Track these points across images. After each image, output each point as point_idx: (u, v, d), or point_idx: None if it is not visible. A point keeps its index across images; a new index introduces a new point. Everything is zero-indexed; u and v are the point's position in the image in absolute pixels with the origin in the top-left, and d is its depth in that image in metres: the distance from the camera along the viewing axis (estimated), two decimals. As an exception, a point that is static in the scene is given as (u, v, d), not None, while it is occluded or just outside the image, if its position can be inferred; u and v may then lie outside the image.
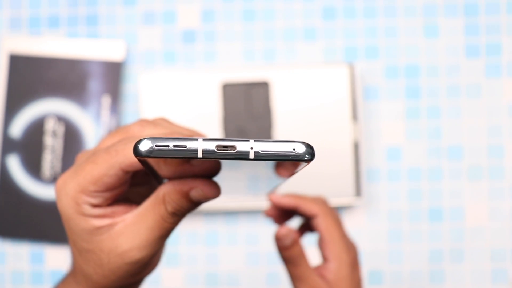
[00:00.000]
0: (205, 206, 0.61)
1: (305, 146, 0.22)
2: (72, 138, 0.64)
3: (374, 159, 0.63)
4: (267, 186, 0.32)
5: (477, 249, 0.62)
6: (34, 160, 0.64)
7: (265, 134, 0.61)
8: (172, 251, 0.64)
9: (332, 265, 0.41)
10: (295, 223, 0.59)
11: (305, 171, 0.60)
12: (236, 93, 0.62)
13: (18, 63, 0.64)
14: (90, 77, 0.64)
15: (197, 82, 0.61)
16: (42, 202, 0.64)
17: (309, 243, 0.63)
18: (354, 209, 0.63)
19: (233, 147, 0.22)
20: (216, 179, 0.27)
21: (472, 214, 0.62)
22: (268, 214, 0.45)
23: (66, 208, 0.28)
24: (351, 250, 0.42)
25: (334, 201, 0.60)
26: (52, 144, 0.64)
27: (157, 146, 0.22)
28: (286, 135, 0.61)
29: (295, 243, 0.41)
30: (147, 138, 0.22)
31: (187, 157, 0.22)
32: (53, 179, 0.64)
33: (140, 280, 0.31)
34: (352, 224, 0.63)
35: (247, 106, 0.62)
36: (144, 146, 0.22)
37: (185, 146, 0.22)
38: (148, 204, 0.28)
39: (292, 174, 0.27)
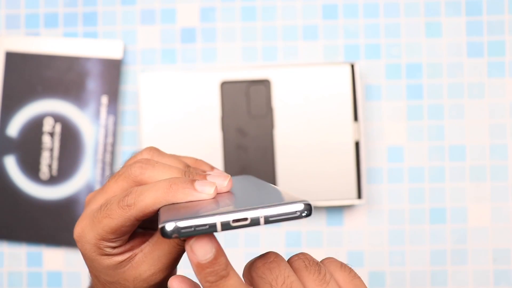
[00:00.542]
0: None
1: (304, 205, 0.26)
2: (69, 138, 0.63)
3: (376, 159, 0.63)
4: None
5: (480, 250, 0.62)
6: (32, 161, 0.63)
7: (266, 135, 0.61)
8: (171, 253, 0.63)
9: None
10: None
11: (305, 171, 0.60)
12: (235, 91, 0.61)
13: (14, 61, 0.64)
14: (88, 77, 0.63)
15: (196, 81, 0.61)
16: (39, 202, 0.63)
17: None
18: (355, 210, 0.62)
19: (246, 219, 0.26)
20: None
21: (475, 215, 0.62)
22: None
23: (90, 252, 0.31)
24: None
25: (335, 202, 0.60)
26: (50, 144, 0.63)
27: (182, 228, 0.25)
28: (286, 135, 0.60)
29: None
30: (172, 221, 0.25)
31: (208, 232, 0.25)
32: (51, 180, 0.63)
33: None
34: (353, 225, 0.62)
35: (247, 104, 0.61)
36: (171, 230, 0.25)
37: (206, 225, 0.25)
38: None
39: None
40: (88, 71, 0.63)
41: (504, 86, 0.63)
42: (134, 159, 0.33)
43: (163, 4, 0.65)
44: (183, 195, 0.29)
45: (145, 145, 0.60)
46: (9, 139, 0.64)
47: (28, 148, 0.63)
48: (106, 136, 0.63)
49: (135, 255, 0.31)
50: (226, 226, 0.25)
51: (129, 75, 0.64)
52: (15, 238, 0.63)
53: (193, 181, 0.29)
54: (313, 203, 0.60)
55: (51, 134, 0.63)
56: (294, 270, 0.28)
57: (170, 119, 0.60)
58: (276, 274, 0.27)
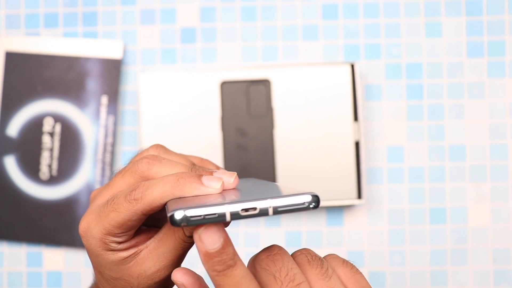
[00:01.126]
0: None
1: (312, 196, 0.27)
2: (69, 138, 0.63)
3: (376, 159, 0.63)
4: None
5: (480, 250, 0.62)
6: (31, 161, 0.63)
7: (266, 135, 0.60)
8: (171, 253, 0.63)
9: None
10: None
11: (305, 171, 0.60)
12: (235, 91, 0.61)
13: (14, 61, 0.64)
14: (88, 77, 0.63)
15: (196, 81, 0.61)
16: (39, 202, 0.63)
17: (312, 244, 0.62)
18: (355, 210, 0.62)
19: (255, 208, 0.26)
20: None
21: (475, 215, 0.62)
22: None
23: (95, 247, 0.31)
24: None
25: (335, 202, 0.60)
26: (50, 144, 0.63)
27: (191, 217, 0.25)
28: (286, 135, 0.60)
29: None
30: (181, 209, 0.25)
31: (218, 221, 0.26)
32: (51, 180, 0.63)
33: None
34: (353, 225, 0.62)
35: (247, 104, 0.61)
36: (180, 219, 0.25)
37: (215, 214, 0.26)
38: (167, 230, 0.31)
39: None
40: (88, 71, 0.63)
41: (504, 86, 0.62)
42: (140, 156, 0.33)
43: (163, 4, 0.65)
44: (190, 189, 0.29)
45: (145, 145, 0.60)
46: (9, 139, 0.64)
47: (28, 148, 0.63)
48: (106, 136, 0.63)
49: (140, 251, 0.31)
50: (235, 216, 0.26)
51: (129, 75, 0.64)
52: (15, 238, 0.63)
53: (200, 176, 0.29)
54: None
55: (51, 134, 0.63)
56: (297, 264, 0.28)
57: (170, 119, 0.60)
58: (280, 266, 0.27)
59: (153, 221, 0.35)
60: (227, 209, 0.26)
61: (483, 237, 0.62)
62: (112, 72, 0.63)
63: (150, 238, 0.32)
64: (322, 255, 0.63)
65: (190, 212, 0.25)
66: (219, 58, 0.64)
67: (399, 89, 0.63)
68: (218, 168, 0.35)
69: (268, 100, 0.61)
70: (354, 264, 0.38)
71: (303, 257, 0.28)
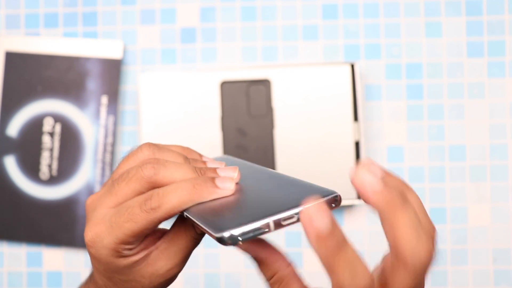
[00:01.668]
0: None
1: (339, 196, 0.29)
2: (69, 138, 0.63)
3: (376, 159, 0.63)
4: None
5: (480, 250, 0.62)
6: (32, 161, 0.63)
7: (266, 135, 0.60)
8: (171, 253, 0.63)
9: None
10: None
11: (305, 171, 0.60)
12: (235, 91, 0.61)
13: (14, 61, 0.64)
14: (88, 77, 0.63)
15: (196, 81, 0.61)
16: (39, 202, 0.63)
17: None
18: (355, 209, 0.62)
19: (293, 216, 0.27)
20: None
21: (475, 215, 0.62)
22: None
23: (106, 256, 0.31)
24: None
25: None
26: (50, 144, 0.63)
27: (240, 235, 0.26)
28: (286, 135, 0.60)
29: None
30: (228, 230, 0.26)
31: (263, 234, 0.27)
32: (51, 180, 0.63)
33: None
34: (353, 225, 0.62)
35: (247, 104, 0.61)
36: (228, 238, 0.26)
37: (260, 229, 0.26)
38: (178, 229, 0.32)
39: None
40: (88, 71, 0.63)
41: (504, 86, 0.62)
42: (135, 158, 0.33)
43: (163, 4, 0.65)
44: (207, 194, 0.29)
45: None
46: (9, 139, 0.64)
47: (28, 148, 0.63)
48: (106, 136, 0.63)
49: (151, 252, 0.32)
50: (277, 226, 0.27)
51: (129, 75, 0.64)
52: (15, 238, 0.63)
53: (213, 179, 0.30)
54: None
55: (51, 134, 0.63)
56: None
57: (170, 119, 0.60)
58: None
59: None
60: (270, 220, 0.27)
61: (483, 237, 0.62)
62: (112, 72, 0.63)
63: (158, 239, 0.33)
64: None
65: (238, 231, 0.26)
66: (219, 58, 0.64)
67: (399, 89, 0.63)
68: (201, 156, 0.35)
69: (268, 100, 0.61)
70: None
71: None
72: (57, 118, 0.63)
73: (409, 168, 0.62)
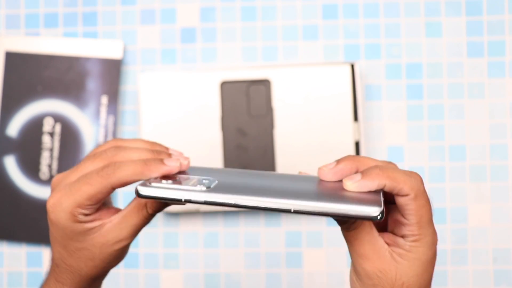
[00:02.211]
0: (205, 206, 0.60)
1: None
2: (69, 138, 0.63)
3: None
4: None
5: (480, 250, 0.62)
6: (32, 161, 0.63)
7: (266, 135, 0.60)
8: (171, 252, 0.63)
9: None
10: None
11: (306, 171, 0.60)
12: (235, 91, 0.61)
13: (14, 61, 0.64)
14: (88, 77, 0.63)
15: (196, 81, 0.61)
16: (39, 202, 0.63)
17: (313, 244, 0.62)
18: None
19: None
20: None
21: (475, 215, 0.62)
22: None
23: (64, 220, 0.35)
24: (434, 244, 0.34)
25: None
26: (50, 144, 0.63)
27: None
28: (286, 135, 0.60)
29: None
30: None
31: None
32: (51, 180, 0.63)
33: (116, 263, 0.39)
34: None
35: (247, 104, 0.61)
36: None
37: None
38: (132, 208, 0.37)
39: None
40: (88, 71, 0.63)
41: (504, 86, 0.62)
42: (101, 147, 0.38)
43: (163, 4, 0.65)
44: (155, 169, 0.34)
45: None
46: (9, 139, 0.64)
47: (28, 148, 0.63)
48: (106, 136, 0.63)
49: (105, 224, 0.36)
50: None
51: (129, 75, 0.64)
52: (15, 238, 0.63)
53: (162, 159, 0.35)
54: None
55: (51, 134, 0.63)
56: None
57: (170, 119, 0.60)
58: None
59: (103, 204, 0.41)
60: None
61: (483, 237, 0.62)
62: (112, 72, 0.63)
63: (112, 214, 0.37)
64: (322, 256, 0.63)
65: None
66: (219, 58, 0.64)
67: (399, 89, 0.63)
68: (168, 148, 0.39)
69: (268, 100, 0.61)
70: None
71: None
72: (57, 118, 0.63)
73: (409, 168, 0.62)
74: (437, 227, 0.62)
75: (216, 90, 0.61)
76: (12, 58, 0.64)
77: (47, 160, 0.63)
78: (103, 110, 0.63)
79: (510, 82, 0.62)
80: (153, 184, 0.32)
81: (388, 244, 0.33)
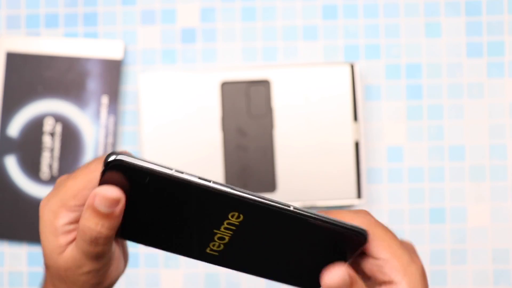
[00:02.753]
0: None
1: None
2: (70, 138, 0.63)
3: (375, 159, 0.63)
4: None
5: (479, 250, 0.62)
6: (32, 161, 0.63)
7: (266, 135, 0.61)
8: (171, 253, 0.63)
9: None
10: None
11: (305, 172, 0.60)
12: (235, 91, 0.61)
13: (15, 61, 0.64)
14: (89, 77, 0.63)
15: (197, 82, 0.61)
16: (40, 202, 0.63)
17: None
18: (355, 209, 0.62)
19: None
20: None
21: (474, 215, 0.62)
22: None
23: (48, 218, 0.29)
24: (416, 262, 0.31)
25: (334, 202, 0.60)
26: (50, 145, 0.63)
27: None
28: (286, 136, 0.60)
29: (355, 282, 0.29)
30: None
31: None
32: (51, 180, 0.63)
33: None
34: (353, 225, 0.62)
35: (247, 105, 0.61)
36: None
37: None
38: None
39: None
40: (88, 71, 0.63)
41: (504, 86, 0.63)
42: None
43: (163, 4, 0.65)
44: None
45: (145, 145, 0.61)
46: (9, 139, 0.64)
47: (28, 148, 0.63)
48: (106, 136, 0.63)
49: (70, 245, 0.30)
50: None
51: (130, 75, 0.64)
52: (16, 238, 0.63)
53: None
54: (312, 202, 0.60)
55: (52, 134, 0.63)
56: None
57: (170, 120, 0.60)
58: None
59: None
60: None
61: (483, 237, 0.62)
62: (113, 72, 0.63)
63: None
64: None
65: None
66: (219, 59, 0.64)
67: (399, 89, 0.63)
68: None
69: (268, 100, 0.61)
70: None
71: None
72: (58, 118, 0.64)
73: (409, 168, 0.63)
74: (436, 226, 0.62)
75: (216, 91, 0.61)
76: (13, 58, 0.64)
77: (47, 160, 0.63)
78: (104, 110, 0.63)
79: (509, 82, 0.63)
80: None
81: None
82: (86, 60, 0.63)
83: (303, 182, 0.60)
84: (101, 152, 0.63)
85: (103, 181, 0.27)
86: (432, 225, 0.62)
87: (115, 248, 0.32)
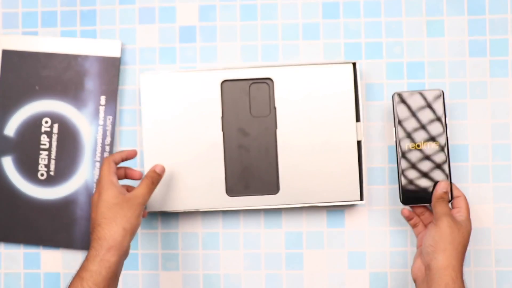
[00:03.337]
0: (204, 205, 0.59)
1: None
2: (67, 138, 0.62)
3: (377, 159, 0.62)
4: None
5: (482, 252, 0.61)
6: (29, 161, 0.62)
7: (268, 134, 0.60)
8: (171, 253, 0.63)
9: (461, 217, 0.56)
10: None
11: (308, 171, 0.59)
12: (236, 90, 0.60)
13: (12, 60, 0.63)
14: (87, 76, 0.63)
15: (197, 82, 0.60)
16: (37, 202, 0.62)
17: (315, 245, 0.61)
18: (356, 210, 0.62)
19: None
20: None
21: (477, 216, 0.61)
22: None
23: (108, 173, 0.54)
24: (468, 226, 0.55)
25: (337, 202, 0.59)
26: (48, 145, 0.63)
27: None
28: (288, 135, 0.60)
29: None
30: None
31: None
32: (48, 180, 0.62)
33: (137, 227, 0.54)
34: (354, 225, 0.62)
35: (248, 104, 0.60)
36: None
37: None
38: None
39: None
40: (86, 71, 0.63)
41: (507, 85, 0.62)
42: None
43: (162, 2, 0.64)
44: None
45: (145, 145, 0.60)
46: (6, 139, 0.63)
47: (25, 148, 0.63)
48: (104, 136, 0.62)
49: (131, 188, 0.58)
50: None
51: (128, 75, 0.64)
52: (13, 240, 0.62)
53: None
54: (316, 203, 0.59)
55: (49, 134, 0.63)
56: None
57: (171, 120, 0.60)
58: None
59: None
60: None
61: (486, 238, 0.61)
62: (111, 72, 0.63)
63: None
64: (322, 257, 0.62)
65: None
66: (219, 58, 0.64)
67: (401, 88, 0.62)
68: None
69: (270, 99, 0.60)
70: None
71: None
72: (55, 118, 0.63)
73: (411, 168, 0.62)
74: (439, 228, 0.61)
75: (217, 90, 0.60)
76: (9, 57, 0.63)
77: (45, 160, 0.62)
78: (102, 110, 0.63)
79: (512, 81, 0.62)
80: None
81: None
82: (84, 59, 0.63)
83: (306, 182, 0.59)
84: (99, 153, 0.62)
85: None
86: (434, 226, 0.61)
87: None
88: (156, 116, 0.60)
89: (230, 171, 0.60)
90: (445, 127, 0.57)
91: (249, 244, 0.62)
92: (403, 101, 0.57)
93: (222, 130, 0.60)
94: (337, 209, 0.62)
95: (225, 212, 0.63)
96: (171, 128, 0.60)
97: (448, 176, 0.56)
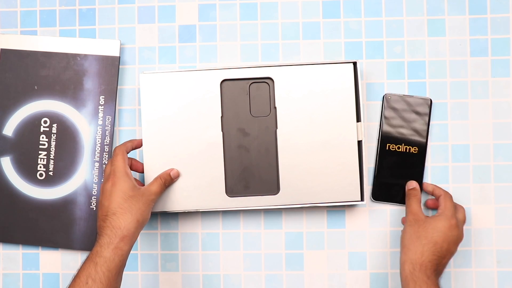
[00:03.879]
0: (204, 206, 0.59)
1: None
2: (66, 138, 0.62)
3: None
4: None
5: (484, 252, 0.61)
6: (28, 161, 0.62)
7: (268, 134, 0.60)
8: (170, 254, 0.62)
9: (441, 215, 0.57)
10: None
11: (308, 171, 0.59)
12: (236, 90, 0.60)
13: (10, 60, 0.63)
14: (86, 76, 0.62)
15: (197, 81, 0.60)
16: (36, 202, 0.62)
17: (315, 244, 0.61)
18: (356, 211, 0.62)
19: None
20: None
21: (479, 216, 0.61)
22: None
23: (121, 163, 0.56)
24: (460, 212, 0.57)
25: (338, 202, 0.59)
26: (47, 145, 0.62)
27: None
28: (289, 134, 0.59)
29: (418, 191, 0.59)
30: None
31: None
32: (47, 180, 0.62)
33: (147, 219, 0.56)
34: (355, 225, 0.62)
35: (248, 104, 0.60)
36: None
37: None
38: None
39: None
40: (85, 70, 0.62)
41: (509, 85, 0.62)
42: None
43: (161, 1, 0.64)
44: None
45: (145, 145, 0.60)
46: (5, 139, 0.63)
47: (24, 148, 0.62)
48: (103, 136, 0.62)
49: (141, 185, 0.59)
50: None
51: (127, 74, 0.63)
52: (11, 240, 0.62)
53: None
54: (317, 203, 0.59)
55: (48, 134, 0.62)
56: None
57: (171, 119, 0.60)
58: None
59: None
60: None
61: (487, 238, 0.61)
62: (110, 71, 0.62)
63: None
64: (323, 257, 0.62)
65: None
66: (219, 57, 0.63)
67: (402, 88, 0.62)
68: None
69: (270, 99, 0.60)
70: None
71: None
72: (54, 118, 0.62)
73: (412, 168, 0.62)
74: (440, 228, 0.61)
75: (217, 90, 0.60)
76: (8, 56, 0.63)
77: (44, 160, 0.62)
78: (101, 110, 0.62)
79: (514, 81, 0.62)
80: None
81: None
82: (83, 59, 0.62)
83: (306, 183, 0.59)
84: (98, 153, 0.62)
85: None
86: (435, 226, 0.61)
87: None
88: (156, 116, 0.60)
89: (230, 171, 0.60)
90: (427, 135, 0.60)
91: (249, 244, 0.62)
92: (392, 103, 0.61)
93: (222, 130, 0.60)
94: (338, 209, 0.62)
95: (225, 213, 0.62)
96: (171, 128, 0.59)
97: (422, 181, 0.60)
